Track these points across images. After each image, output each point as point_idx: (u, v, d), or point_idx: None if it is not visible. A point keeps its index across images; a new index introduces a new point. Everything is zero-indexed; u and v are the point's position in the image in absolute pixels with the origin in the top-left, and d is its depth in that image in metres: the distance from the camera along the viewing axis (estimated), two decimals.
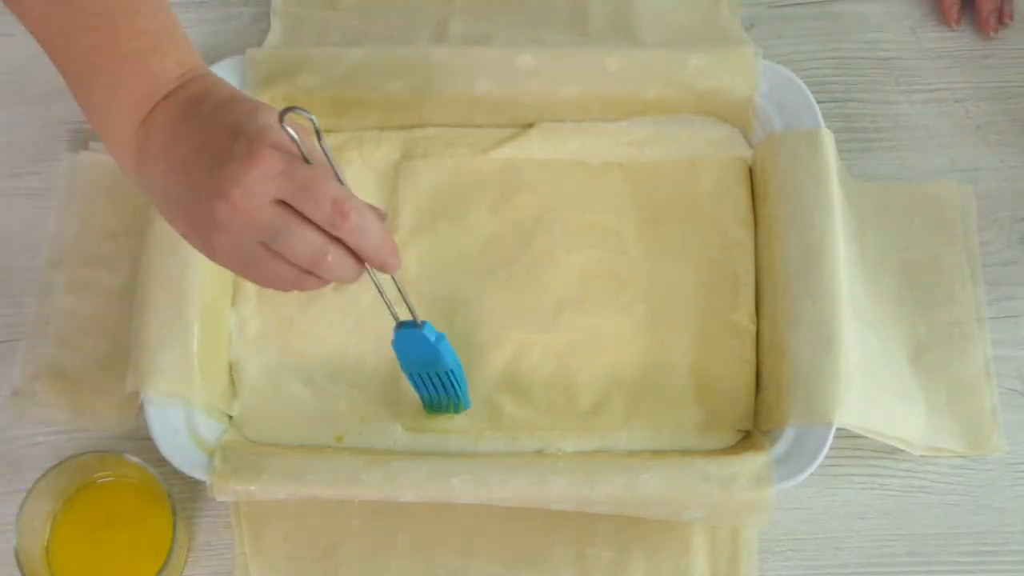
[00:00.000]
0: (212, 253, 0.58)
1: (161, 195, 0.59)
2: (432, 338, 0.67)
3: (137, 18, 0.59)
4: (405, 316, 0.67)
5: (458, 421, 0.74)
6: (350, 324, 0.76)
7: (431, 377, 0.70)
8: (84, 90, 0.60)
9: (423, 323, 0.67)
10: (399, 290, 0.65)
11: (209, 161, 0.56)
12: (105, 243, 0.79)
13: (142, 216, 0.76)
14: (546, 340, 0.75)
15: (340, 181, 0.57)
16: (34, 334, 0.77)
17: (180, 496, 0.73)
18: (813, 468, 0.68)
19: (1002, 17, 0.84)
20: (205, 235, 0.57)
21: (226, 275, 0.76)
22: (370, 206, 0.58)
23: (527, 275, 0.76)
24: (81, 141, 0.83)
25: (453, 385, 0.70)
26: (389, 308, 0.66)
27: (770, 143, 0.76)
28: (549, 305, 0.76)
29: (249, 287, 0.77)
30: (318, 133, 0.56)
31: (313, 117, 0.55)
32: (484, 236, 0.77)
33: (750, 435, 0.73)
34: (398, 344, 0.68)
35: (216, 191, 0.55)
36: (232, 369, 0.75)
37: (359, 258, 0.58)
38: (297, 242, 0.56)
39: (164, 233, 0.73)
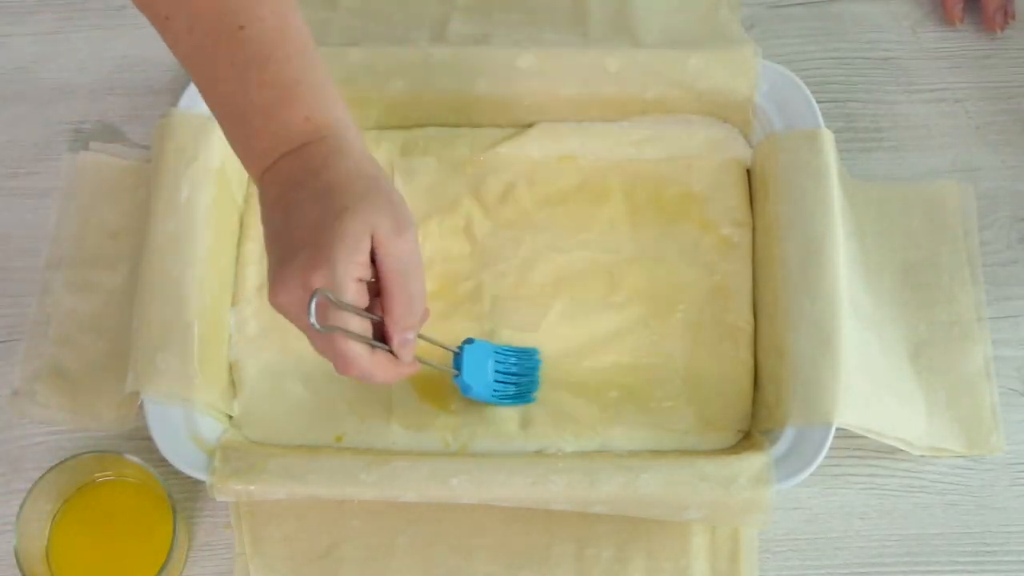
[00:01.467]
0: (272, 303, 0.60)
1: (265, 235, 0.61)
2: (474, 348, 0.71)
3: (268, 68, 0.59)
4: (438, 358, 0.69)
5: (454, 421, 0.74)
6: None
7: (507, 376, 0.72)
8: (228, 135, 0.62)
9: (459, 349, 0.70)
10: (432, 344, 0.68)
11: (283, 246, 0.59)
12: (105, 243, 0.79)
13: (142, 216, 0.76)
14: (540, 339, 0.75)
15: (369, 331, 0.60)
16: (34, 334, 0.77)
17: (180, 496, 0.73)
18: (813, 468, 0.68)
19: (1006, 15, 0.83)
20: (270, 293, 0.59)
21: (226, 275, 0.76)
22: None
23: (522, 274, 0.76)
24: (81, 141, 0.83)
25: (519, 364, 0.73)
26: (440, 369, 0.69)
27: (770, 143, 0.76)
28: (544, 304, 0.76)
29: (249, 287, 0.77)
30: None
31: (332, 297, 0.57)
32: (480, 235, 0.77)
33: (750, 435, 0.73)
34: (469, 379, 0.70)
35: (274, 279, 0.58)
36: (232, 369, 0.75)
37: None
38: (325, 351, 0.60)
39: (164, 233, 0.73)
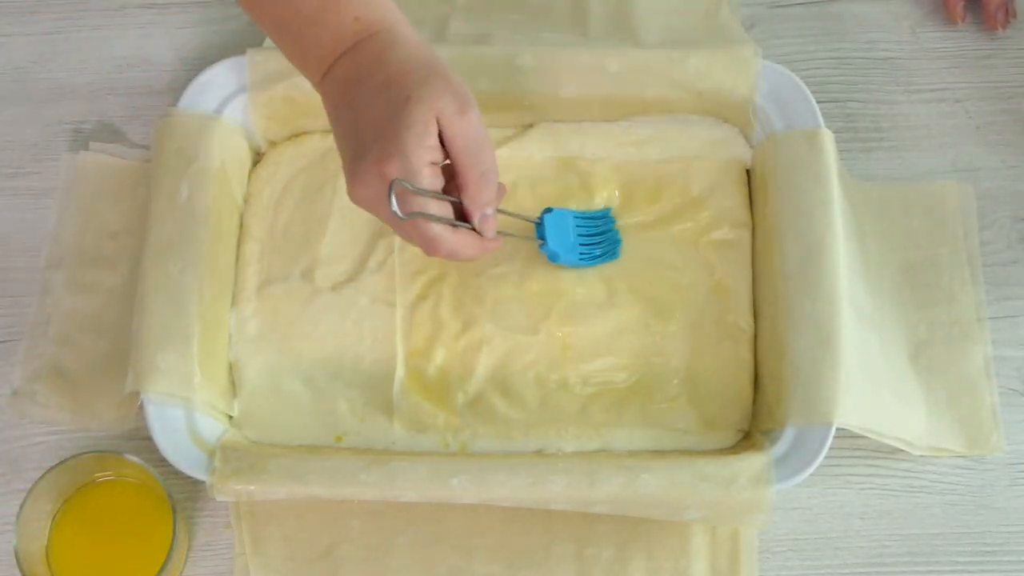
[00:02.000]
0: (352, 199, 0.63)
1: (335, 135, 0.63)
2: (554, 216, 0.74)
3: None
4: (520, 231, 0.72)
5: (454, 421, 0.74)
6: (349, 324, 0.76)
7: (584, 236, 0.75)
8: (282, 48, 0.65)
9: (541, 219, 0.73)
10: (512, 218, 0.71)
11: (353, 143, 0.61)
12: (105, 243, 0.79)
13: (142, 216, 0.76)
14: (539, 340, 0.75)
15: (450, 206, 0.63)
16: (34, 334, 0.77)
17: (180, 496, 0.73)
18: (813, 468, 0.68)
19: (1007, 14, 0.83)
20: (349, 189, 0.62)
21: (226, 275, 0.76)
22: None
23: (523, 275, 0.76)
24: (81, 141, 0.83)
25: (599, 224, 0.76)
26: (525, 239, 0.73)
27: (770, 143, 0.76)
28: (545, 305, 0.76)
29: (249, 287, 0.77)
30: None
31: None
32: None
33: (750, 435, 0.73)
34: (554, 245, 0.73)
35: (351, 175, 0.61)
36: (232, 369, 0.75)
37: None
38: (409, 235, 0.62)
39: (164, 233, 0.73)
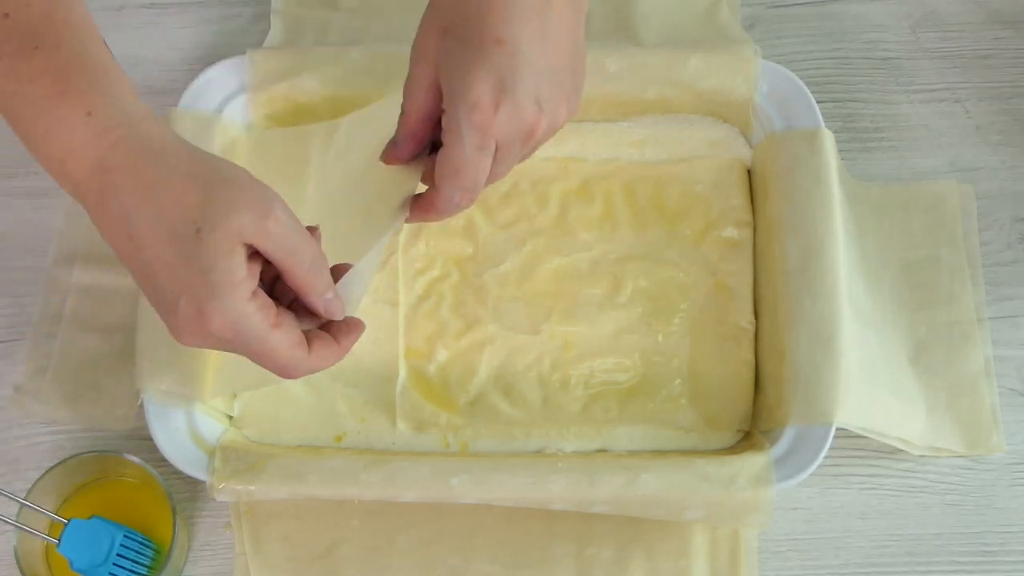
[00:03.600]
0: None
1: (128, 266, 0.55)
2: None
3: (36, 56, 0.51)
4: None
5: (455, 421, 0.74)
6: None
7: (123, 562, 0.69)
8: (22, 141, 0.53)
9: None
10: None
11: (152, 291, 0.53)
12: None
13: None
14: (541, 340, 0.75)
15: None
16: (38, 332, 0.77)
17: (180, 496, 0.73)
18: (813, 468, 0.68)
19: None
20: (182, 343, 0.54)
21: None
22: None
23: (523, 275, 0.76)
24: None
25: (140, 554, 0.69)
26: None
27: (770, 143, 0.76)
28: (546, 305, 0.76)
29: None
30: None
31: None
32: (482, 236, 0.77)
33: (750, 435, 0.73)
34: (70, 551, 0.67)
35: (172, 330, 0.53)
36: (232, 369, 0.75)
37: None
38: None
39: None
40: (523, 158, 0.59)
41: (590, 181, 0.79)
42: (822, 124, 0.75)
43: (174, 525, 0.67)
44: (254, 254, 0.52)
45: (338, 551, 0.72)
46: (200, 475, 0.69)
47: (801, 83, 0.77)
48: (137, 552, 0.69)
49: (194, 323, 0.52)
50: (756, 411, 0.74)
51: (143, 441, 0.71)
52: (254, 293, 0.52)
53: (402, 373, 0.75)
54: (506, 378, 0.74)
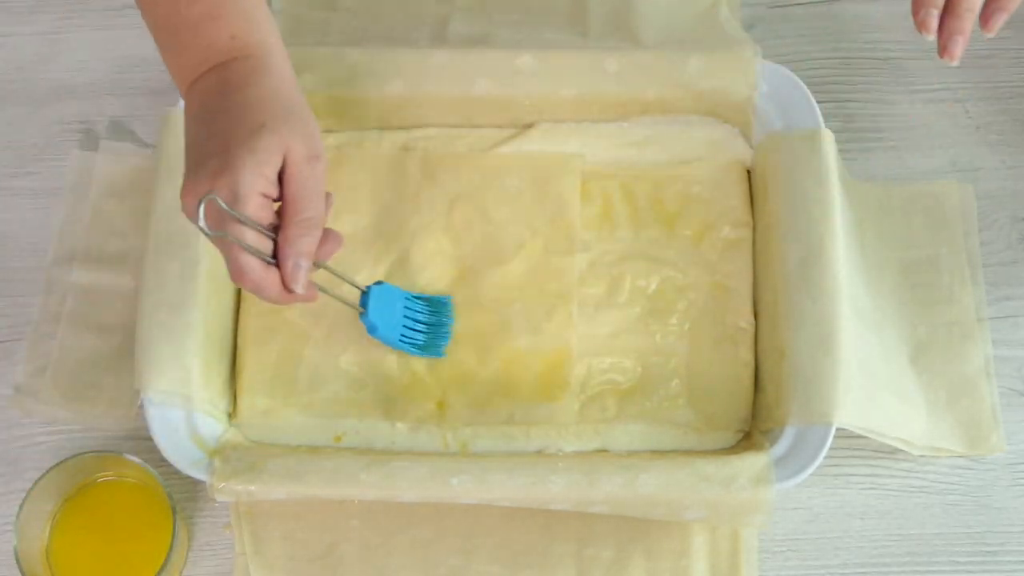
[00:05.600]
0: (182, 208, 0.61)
1: (185, 145, 0.62)
2: (382, 289, 0.70)
3: None
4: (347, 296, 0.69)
5: (455, 421, 0.74)
6: (349, 324, 0.76)
7: (412, 320, 0.72)
8: (162, 51, 0.64)
9: (368, 288, 0.70)
10: (338, 279, 0.68)
11: (197, 155, 0.60)
12: (112, 242, 0.79)
13: (148, 215, 0.76)
14: (542, 340, 0.75)
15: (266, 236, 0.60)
16: (38, 331, 0.77)
17: (180, 496, 0.73)
18: (813, 468, 0.68)
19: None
20: (180, 197, 0.60)
21: (227, 275, 0.76)
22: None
23: (523, 274, 0.76)
24: (83, 141, 0.83)
25: (430, 313, 0.73)
26: (344, 302, 0.68)
27: (770, 143, 0.76)
28: (546, 305, 0.76)
29: None
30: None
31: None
32: (480, 235, 0.77)
33: (750, 435, 0.73)
34: (375, 318, 0.70)
35: (184, 183, 0.60)
36: (232, 368, 0.75)
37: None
38: (224, 255, 0.60)
39: (165, 233, 0.73)
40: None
41: (589, 181, 0.79)
42: (822, 124, 0.75)
43: (174, 525, 0.67)
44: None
45: (338, 551, 0.72)
46: (200, 475, 0.69)
47: (801, 83, 0.77)
48: (426, 315, 0.73)
49: (206, 181, 0.58)
50: (756, 411, 0.74)
51: (143, 441, 0.71)
52: (264, 195, 0.59)
53: (401, 373, 0.75)
54: (505, 378, 0.74)
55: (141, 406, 0.71)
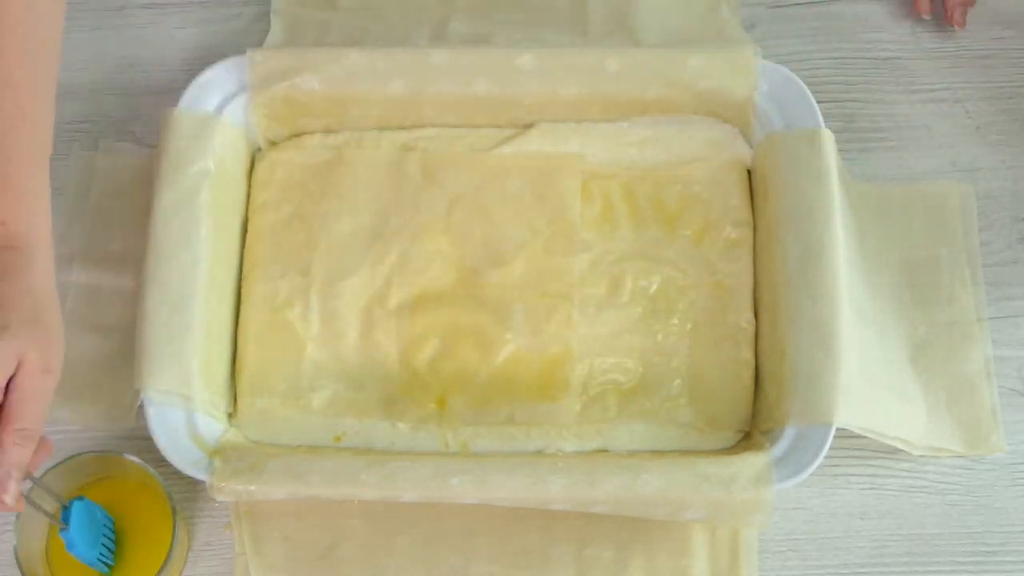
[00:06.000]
0: None
1: None
2: (85, 506, 0.67)
3: None
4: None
5: (455, 421, 0.74)
6: (350, 323, 0.76)
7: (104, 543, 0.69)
8: None
9: (68, 504, 0.67)
10: (42, 495, 0.65)
11: None
12: (113, 242, 0.79)
13: (149, 216, 0.76)
14: (542, 341, 0.75)
15: None
16: None
17: (180, 496, 0.73)
18: (813, 468, 0.68)
19: (964, 12, 0.83)
20: None
21: (227, 276, 0.76)
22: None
23: (524, 274, 0.76)
24: (83, 141, 0.83)
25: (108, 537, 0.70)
26: (49, 518, 0.66)
27: (770, 143, 0.76)
28: (547, 305, 0.76)
29: (249, 287, 0.77)
30: None
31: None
32: (480, 236, 0.77)
33: (750, 435, 0.73)
34: (75, 534, 0.66)
35: None
36: (232, 368, 0.75)
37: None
38: None
39: (165, 233, 0.73)
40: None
41: (590, 181, 0.79)
42: (822, 124, 0.75)
43: (174, 525, 0.67)
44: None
45: (338, 551, 0.72)
46: (200, 475, 0.69)
47: (801, 83, 0.77)
48: (109, 529, 0.69)
49: None
50: (756, 411, 0.74)
51: (143, 441, 0.71)
52: None
53: (401, 373, 0.75)
54: (506, 378, 0.74)
55: (141, 406, 0.71)
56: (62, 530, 0.66)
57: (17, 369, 0.58)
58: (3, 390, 0.58)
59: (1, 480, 0.58)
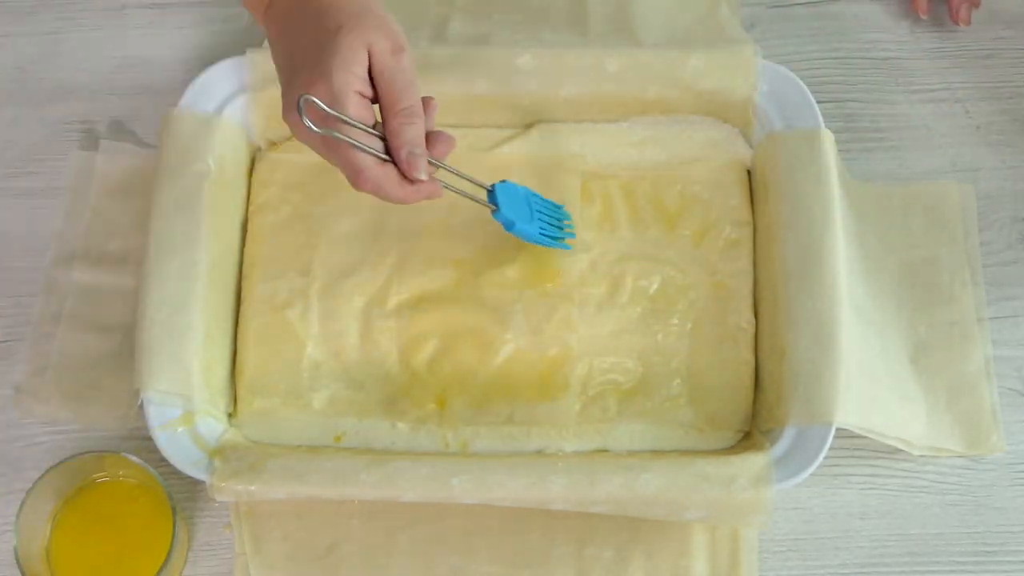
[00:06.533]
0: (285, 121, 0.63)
1: (275, 66, 0.65)
2: (507, 186, 0.71)
3: None
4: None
5: (455, 421, 0.74)
6: (349, 323, 0.76)
7: (540, 214, 0.73)
8: None
9: (493, 186, 0.70)
10: (460, 179, 0.68)
11: (288, 71, 0.63)
12: (112, 242, 0.79)
13: (148, 215, 0.76)
14: (542, 341, 0.75)
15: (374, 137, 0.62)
16: (37, 331, 0.77)
17: (180, 496, 0.73)
18: (813, 468, 0.68)
19: (969, 9, 0.83)
20: (283, 113, 0.62)
21: (227, 276, 0.76)
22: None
23: (524, 276, 0.76)
24: (84, 141, 0.83)
25: (552, 211, 0.74)
26: (473, 198, 0.69)
27: (770, 143, 0.76)
28: (546, 306, 0.76)
29: (250, 287, 0.77)
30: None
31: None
32: (480, 237, 0.77)
33: (750, 435, 0.73)
34: (509, 213, 0.70)
35: (283, 97, 0.62)
36: (232, 368, 0.75)
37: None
38: (338, 164, 0.62)
39: (165, 233, 0.73)
40: None
41: (590, 181, 0.79)
42: (822, 124, 0.75)
43: (174, 525, 0.67)
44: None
45: (338, 551, 0.72)
46: (200, 475, 0.69)
47: (801, 83, 0.77)
48: (550, 212, 0.74)
49: (302, 89, 0.60)
50: (756, 411, 0.74)
51: (143, 441, 0.71)
52: (360, 93, 0.61)
53: (401, 373, 0.75)
54: (505, 378, 0.74)
55: (141, 406, 0.71)
56: (494, 212, 0.69)
57: (371, 58, 0.61)
58: (369, 83, 0.61)
59: (407, 160, 0.62)
